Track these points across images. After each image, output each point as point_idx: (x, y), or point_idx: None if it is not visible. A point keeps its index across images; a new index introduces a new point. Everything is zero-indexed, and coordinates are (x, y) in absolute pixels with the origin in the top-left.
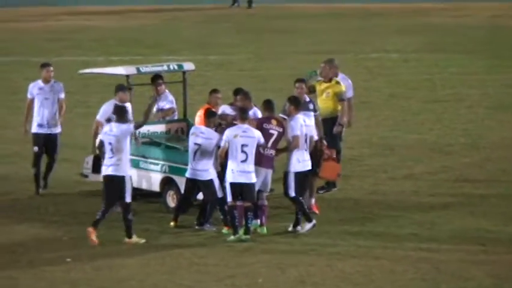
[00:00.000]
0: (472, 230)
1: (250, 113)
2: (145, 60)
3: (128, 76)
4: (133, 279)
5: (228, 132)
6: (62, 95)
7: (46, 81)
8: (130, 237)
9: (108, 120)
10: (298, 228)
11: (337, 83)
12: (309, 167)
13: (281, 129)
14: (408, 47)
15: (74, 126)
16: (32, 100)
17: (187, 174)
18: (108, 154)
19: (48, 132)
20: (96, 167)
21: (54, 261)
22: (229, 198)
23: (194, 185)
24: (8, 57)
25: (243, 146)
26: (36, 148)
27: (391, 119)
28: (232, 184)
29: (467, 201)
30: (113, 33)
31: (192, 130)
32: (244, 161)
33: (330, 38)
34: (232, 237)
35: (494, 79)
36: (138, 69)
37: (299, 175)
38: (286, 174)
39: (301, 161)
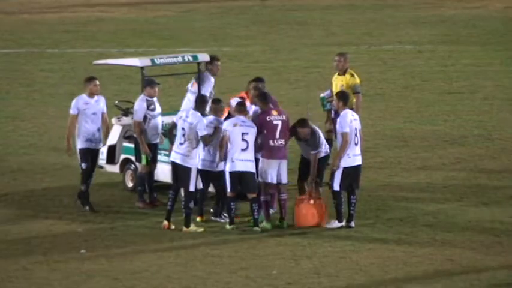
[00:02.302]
0: (487, 221)
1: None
2: (160, 52)
3: (142, 68)
4: (147, 271)
5: (228, 123)
6: (105, 109)
7: (92, 95)
8: (188, 226)
9: (145, 118)
10: (352, 224)
11: (352, 75)
12: (359, 162)
13: (283, 117)
14: (422, 39)
15: None
16: (76, 116)
17: (200, 166)
18: (179, 139)
19: (96, 147)
20: (110, 158)
21: (68, 253)
22: (228, 189)
23: (208, 176)
24: (23, 49)
25: (243, 134)
26: (84, 165)
27: (406, 111)
28: (231, 173)
29: (482, 192)
30: (127, 24)
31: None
32: (245, 150)
33: (344, 30)
34: (228, 226)
35: (508, 71)
36: (152, 60)
37: (348, 170)
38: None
39: (351, 156)
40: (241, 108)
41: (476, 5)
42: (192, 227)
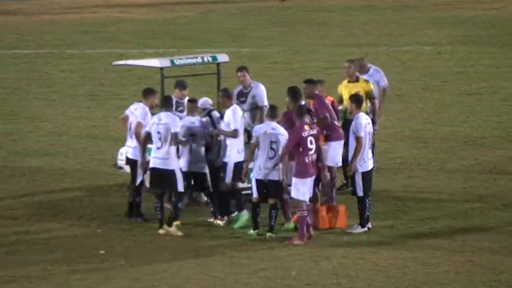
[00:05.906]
0: (506, 222)
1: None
2: (180, 53)
3: (162, 68)
4: (166, 272)
5: (258, 129)
6: None
7: (152, 107)
8: (170, 225)
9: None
10: (369, 225)
11: (366, 81)
12: (372, 165)
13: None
14: (442, 40)
15: (108, 118)
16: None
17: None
18: (156, 144)
19: None
20: None
21: (88, 253)
22: (254, 195)
23: (192, 177)
24: (42, 50)
25: (272, 142)
26: (144, 176)
27: (425, 112)
28: (258, 180)
29: (501, 193)
30: (147, 25)
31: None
32: (272, 158)
33: (363, 31)
34: (252, 231)
35: None
36: (172, 61)
37: (366, 174)
38: (353, 174)
39: (366, 160)
40: (273, 113)
41: (495, 6)
42: (173, 228)
